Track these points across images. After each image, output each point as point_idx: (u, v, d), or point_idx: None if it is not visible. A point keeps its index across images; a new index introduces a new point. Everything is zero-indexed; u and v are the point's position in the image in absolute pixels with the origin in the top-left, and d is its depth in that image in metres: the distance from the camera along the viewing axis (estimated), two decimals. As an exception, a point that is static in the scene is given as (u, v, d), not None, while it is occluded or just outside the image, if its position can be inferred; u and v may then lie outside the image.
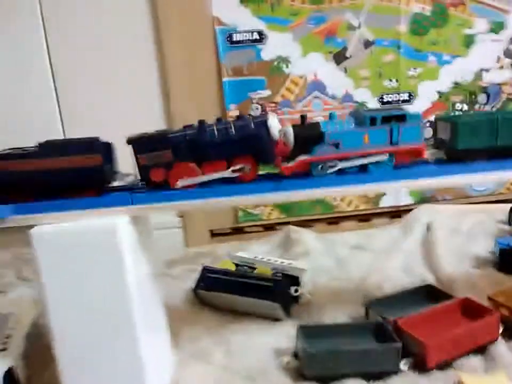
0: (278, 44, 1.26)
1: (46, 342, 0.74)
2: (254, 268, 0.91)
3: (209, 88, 1.26)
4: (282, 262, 0.94)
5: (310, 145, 0.67)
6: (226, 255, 1.03)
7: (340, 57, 1.29)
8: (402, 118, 0.68)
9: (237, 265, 0.94)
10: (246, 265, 0.93)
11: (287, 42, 1.26)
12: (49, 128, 1.23)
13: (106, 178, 0.66)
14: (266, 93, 1.28)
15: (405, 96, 1.33)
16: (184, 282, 1.00)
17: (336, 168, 0.68)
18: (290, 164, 0.67)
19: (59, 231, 0.59)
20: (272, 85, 1.28)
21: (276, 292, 0.83)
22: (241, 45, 1.25)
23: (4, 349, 0.71)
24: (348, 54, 1.29)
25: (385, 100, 1.32)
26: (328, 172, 0.67)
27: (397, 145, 0.69)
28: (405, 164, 0.70)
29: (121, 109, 1.22)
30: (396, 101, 1.32)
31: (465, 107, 1.36)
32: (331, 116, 0.71)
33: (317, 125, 0.69)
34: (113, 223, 0.59)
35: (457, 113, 1.35)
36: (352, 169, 0.69)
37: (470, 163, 0.70)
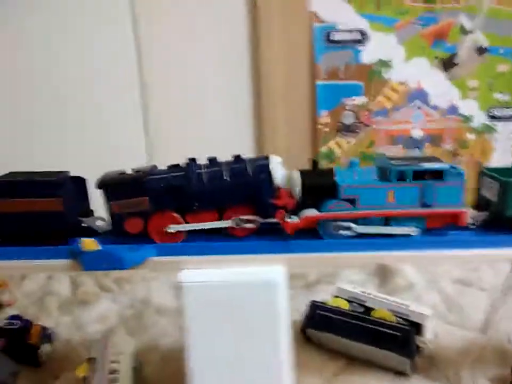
0: (380, 46, 1.13)
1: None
2: (367, 307, 0.81)
3: (301, 91, 1.14)
4: (398, 304, 0.83)
5: (319, 198, 0.55)
6: (333, 288, 0.91)
7: (447, 64, 1.16)
8: (439, 174, 0.54)
9: (348, 301, 0.84)
10: (356, 302, 0.83)
11: (390, 45, 1.14)
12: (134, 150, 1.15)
13: (69, 224, 0.56)
14: (361, 99, 1.16)
15: (517, 113, 1.19)
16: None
17: (350, 233, 0.55)
18: (294, 220, 0.55)
19: (210, 282, 0.50)
20: (369, 91, 1.16)
21: (404, 343, 0.73)
22: (339, 45, 1.13)
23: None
24: (456, 61, 1.16)
25: (494, 115, 1.19)
26: (340, 233, 0.55)
27: (430, 207, 0.55)
28: (437, 228, 0.57)
29: (211, 112, 1.12)
30: (506, 116, 1.18)
31: None
32: (351, 164, 0.58)
33: (330, 173, 0.57)
34: (274, 277, 0.49)
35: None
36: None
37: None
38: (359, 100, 1.16)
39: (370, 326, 0.73)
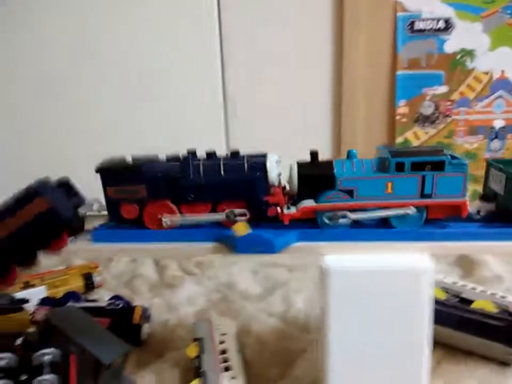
0: (464, 35, 1.11)
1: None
2: (462, 297, 0.81)
3: (381, 81, 1.13)
4: (494, 294, 0.82)
5: (317, 189, 0.55)
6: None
7: (534, 54, 1.13)
8: (440, 165, 0.54)
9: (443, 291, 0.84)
10: (451, 292, 0.82)
11: (475, 34, 1.11)
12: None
13: (66, 217, 0.56)
14: (442, 89, 1.14)
15: None
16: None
17: (347, 220, 0.55)
18: (291, 211, 0.55)
19: (356, 268, 0.50)
20: (451, 81, 1.14)
21: (508, 333, 0.72)
22: (422, 34, 1.11)
23: (227, 369, 0.65)
24: (544, 50, 1.13)
25: None
26: (338, 223, 0.55)
27: (430, 198, 0.54)
28: (439, 220, 0.56)
29: (290, 100, 1.13)
30: None
31: None
32: (350, 155, 0.57)
33: (329, 165, 0.56)
34: (423, 266, 0.50)
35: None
36: (369, 222, 0.56)
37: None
38: (440, 89, 1.14)
39: (473, 316, 0.73)
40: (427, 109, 1.15)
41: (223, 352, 0.70)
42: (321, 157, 0.58)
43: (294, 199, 0.58)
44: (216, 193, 0.56)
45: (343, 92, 1.13)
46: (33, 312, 0.80)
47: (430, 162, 0.54)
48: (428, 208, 0.55)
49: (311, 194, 0.56)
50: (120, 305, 0.83)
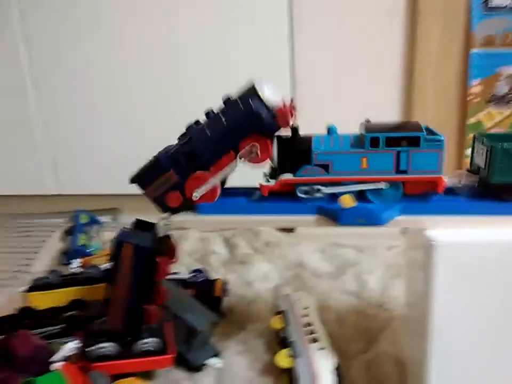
0: (545, 11, 1.07)
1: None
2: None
3: (454, 59, 1.10)
4: None
5: (295, 163, 0.57)
6: None
7: None
8: (415, 141, 0.53)
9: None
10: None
11: (557, 9, 1.07)
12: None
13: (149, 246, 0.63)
14: (518, 68, 1.11)
15: None
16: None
17: (320, 194, 0.56)
18: (271, 183, 0.58)
19: (465, 242, 0.50)
20: (528, 60, 1.11)
21: None
22: (498, 11, 1.08)
23: (315, 340, 0.67)
24: None
25: None
26: (314, 196, 0.56)
27: (406, 174, 0.54)
28: (417, 195, 0.56)
29: (361, 74, 1.12)
30: None
31: None
32: (330, 131, 0.58)
33: (307, 140, 0.57)
34: None
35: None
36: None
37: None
38: (516, 68, 1.10)
39: None
40: (501, 88, 1.12)
41: (307, 324, 0.72)
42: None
43: (275, 172, 0.60)
44: (229, 140, 0.58)
45: (415, 70, 1.11)
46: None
47: (405, 138, 0.54)
48: (405, 183, 0.56)
49: (290, 168, 0.58)
50: (201, 279, 0.86)
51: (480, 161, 0.57)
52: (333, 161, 0.56)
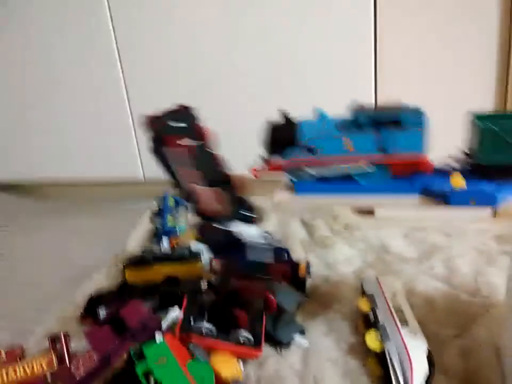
0: None
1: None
2: None
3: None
4: None
5: (285, 147, 0.60)
6: None
7: None
8: (397, 121, 0.55)
9: None
10: None
11: None
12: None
13: None
14: None
15: None
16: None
17: (309, 176, 0.61)
18: (261, 167, 0.64)
19: None
20: None
21: None
22: None
23: (405, 324, 0.66)
24: None
25: None
26: (302, 178, 0.60)
27: (389, 154, 0.57)
28: (405, 175, 0.57)
29: (454, 62, 1.07)
30: None
31: None
32: (320, 115, 0.61)
33: (295, 124, 0.60)
34: None
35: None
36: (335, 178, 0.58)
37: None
38: None
39: None
40: None
41: (396, 308, 0.71)
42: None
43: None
44: None
45: None
46: (210, 262, 0.88)
47: (388, 118, 0.53)
48: (391, 165, 0.55)
49: (280, 151, 0.61)
50: (286, 258, 0.88)
51: (473, 142, 0.55)
52: (319, 144, 0.59)
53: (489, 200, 0.49)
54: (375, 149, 0.58)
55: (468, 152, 0.58)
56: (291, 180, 0.61)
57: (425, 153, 0.55)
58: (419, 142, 0.56)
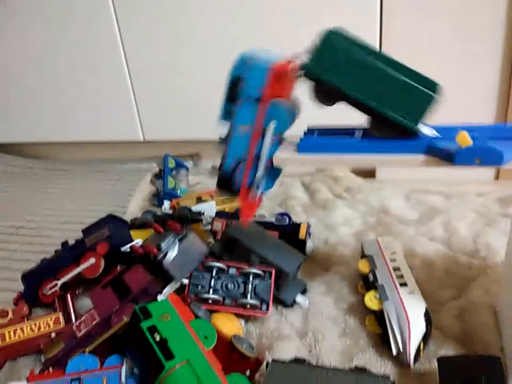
0: None
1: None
2: None
3: None
4: None
5: None
6: None
7: None
8: None
9: None
10: None
11: None
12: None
13: None
14: None
15: None
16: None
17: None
18: None
19: None
20: None
21: None
22: None
23: (404, 284, 0.67)
24: None
25: None
26: None
27: None
28: None
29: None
30: None
31: None
32: None
33: None
34: None
35: None
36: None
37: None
38: None
39: None
40: None
41: (395, 269, 0.72)
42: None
43: None
44: None
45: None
46: (211, 223, 0.89)
47: None
48: None
49: None
50: (287, 221, 0.88)
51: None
52: None
53: (495, 159, 0.47)
54: None
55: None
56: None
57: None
58: None
